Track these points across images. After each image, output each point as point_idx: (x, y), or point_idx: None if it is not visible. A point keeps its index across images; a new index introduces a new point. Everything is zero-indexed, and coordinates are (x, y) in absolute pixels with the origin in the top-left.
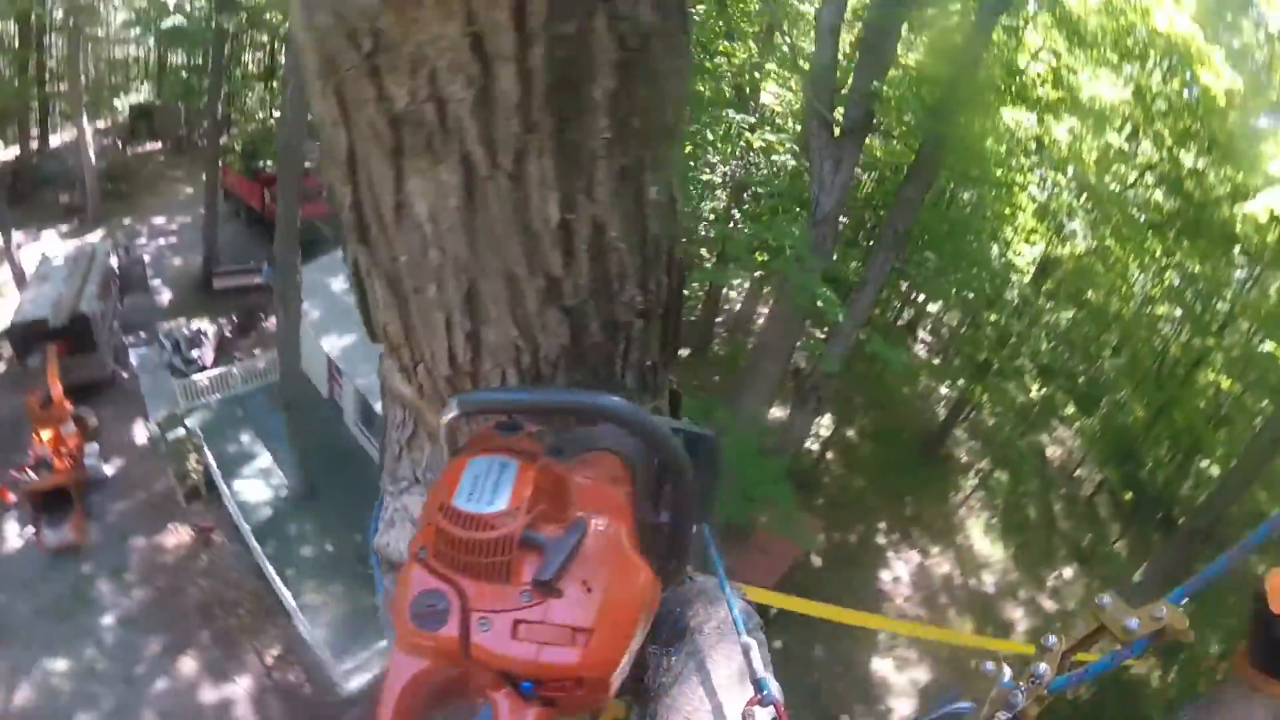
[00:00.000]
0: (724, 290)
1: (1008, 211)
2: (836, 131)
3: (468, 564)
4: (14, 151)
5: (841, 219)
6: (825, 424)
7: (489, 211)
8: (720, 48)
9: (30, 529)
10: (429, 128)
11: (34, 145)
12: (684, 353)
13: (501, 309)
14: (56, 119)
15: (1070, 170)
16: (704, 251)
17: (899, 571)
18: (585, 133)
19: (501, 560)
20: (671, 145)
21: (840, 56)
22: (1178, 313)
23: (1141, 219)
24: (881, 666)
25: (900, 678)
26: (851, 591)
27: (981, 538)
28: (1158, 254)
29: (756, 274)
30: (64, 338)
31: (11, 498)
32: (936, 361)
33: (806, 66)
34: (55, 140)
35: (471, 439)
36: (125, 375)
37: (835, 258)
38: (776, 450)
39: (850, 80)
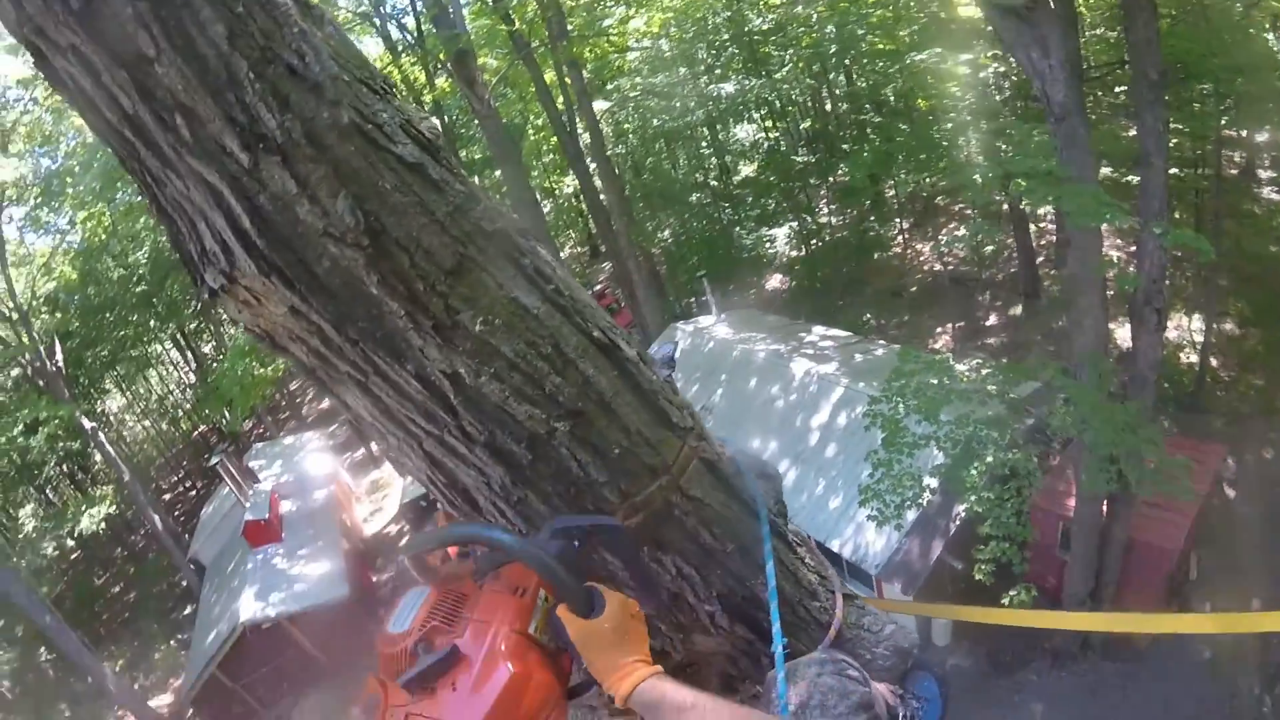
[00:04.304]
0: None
1: None
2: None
3: (387, 671)
4: None
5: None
6: (1196, 327)
7: (384, 400)
8: None
9: None
10: (314, 369)
11: None
12: (1015, 311)
13: (450, 459)
14: None
15: None
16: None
17: None
18: (383, 322)
19: (402, 668)
20: (469, 276)
21: None
22: None
23: None
24: None
25: None
26: None
27: None
28: None
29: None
30: None
31: None
32: None
33: None
34: None
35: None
36: None
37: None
38: (1130, 392)
39: None
